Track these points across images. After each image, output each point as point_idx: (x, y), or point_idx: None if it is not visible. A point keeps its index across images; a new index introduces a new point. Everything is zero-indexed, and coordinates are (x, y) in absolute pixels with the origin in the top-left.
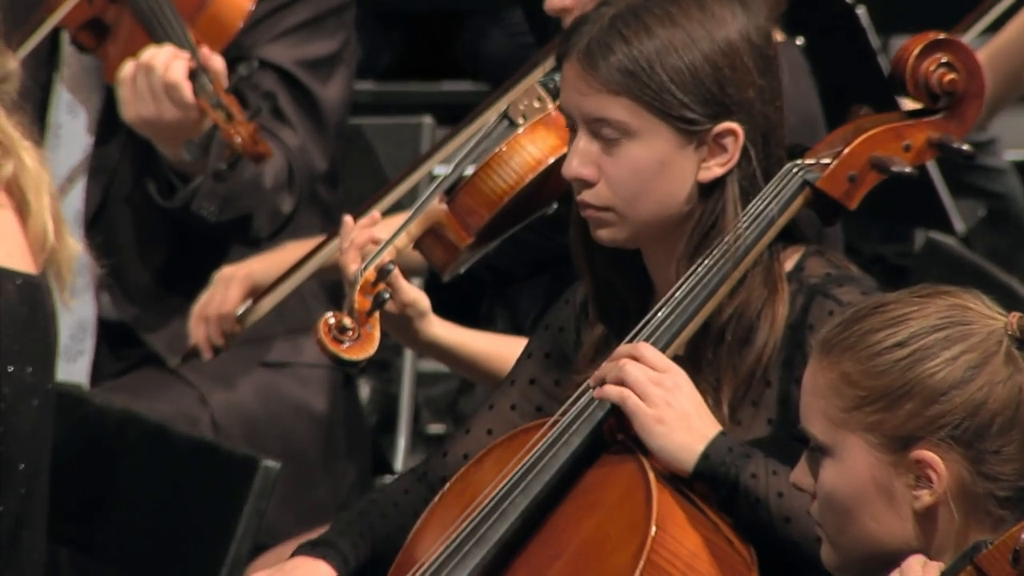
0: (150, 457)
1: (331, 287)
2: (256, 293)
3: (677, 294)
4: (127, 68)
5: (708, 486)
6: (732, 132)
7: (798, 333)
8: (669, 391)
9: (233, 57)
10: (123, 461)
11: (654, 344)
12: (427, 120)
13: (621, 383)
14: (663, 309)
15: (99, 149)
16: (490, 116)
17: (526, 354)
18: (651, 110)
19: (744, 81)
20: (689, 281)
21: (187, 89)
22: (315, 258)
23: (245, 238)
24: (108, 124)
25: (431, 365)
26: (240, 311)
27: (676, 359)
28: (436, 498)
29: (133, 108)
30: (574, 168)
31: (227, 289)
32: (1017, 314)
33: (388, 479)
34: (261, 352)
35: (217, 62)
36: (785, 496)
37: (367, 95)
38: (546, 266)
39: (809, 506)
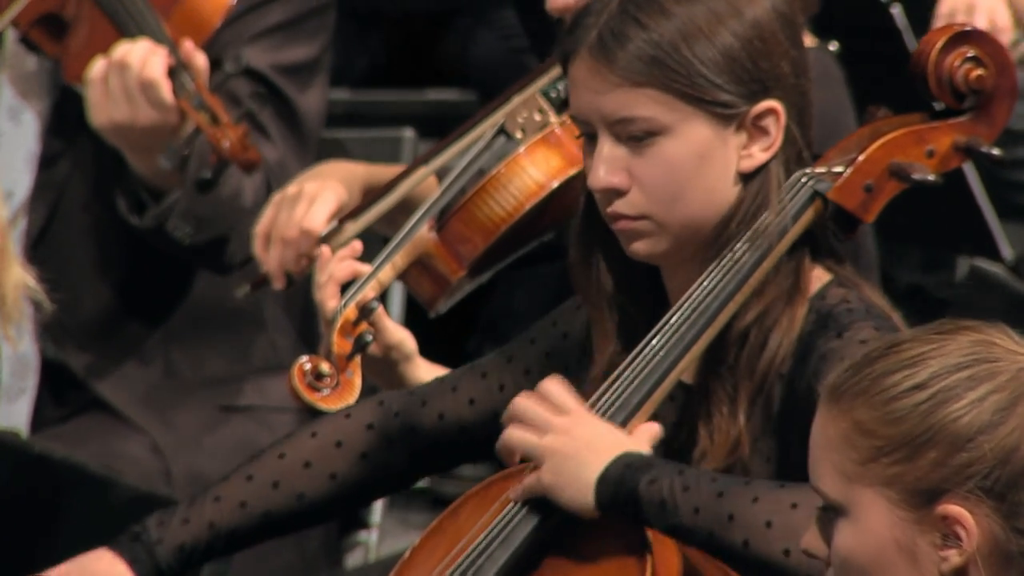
0: (95, 511)
1: (301, 320)
2: (341, 213)
3: (673, 319)
4: (98, 67)
5: (619, 514)
6: (773, 111)
7: (805, 352)
8: (561, 436)
9: (209, 60)
10: (65, 516)
11: (647, 376)
12: (408, 133)
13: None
14: (658, 337)
15: (46, 161)
16: (485, 128)
17: (530, 338)
18: (682, 98)
19: (777, 52)
20: (686, 306)
21: (166, 88)
22: (410, 179)
23: (217, 264)
24: (58, 133)
25: None
26: (325, 231)
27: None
28: (407, 554)
29: (104, 112)
30: (602, 178)
31: (311, 204)
32: None
33: (362, 535)
34: (221, 395)
35: (199, 58)
36: (691, 490)
37: (341, 104)
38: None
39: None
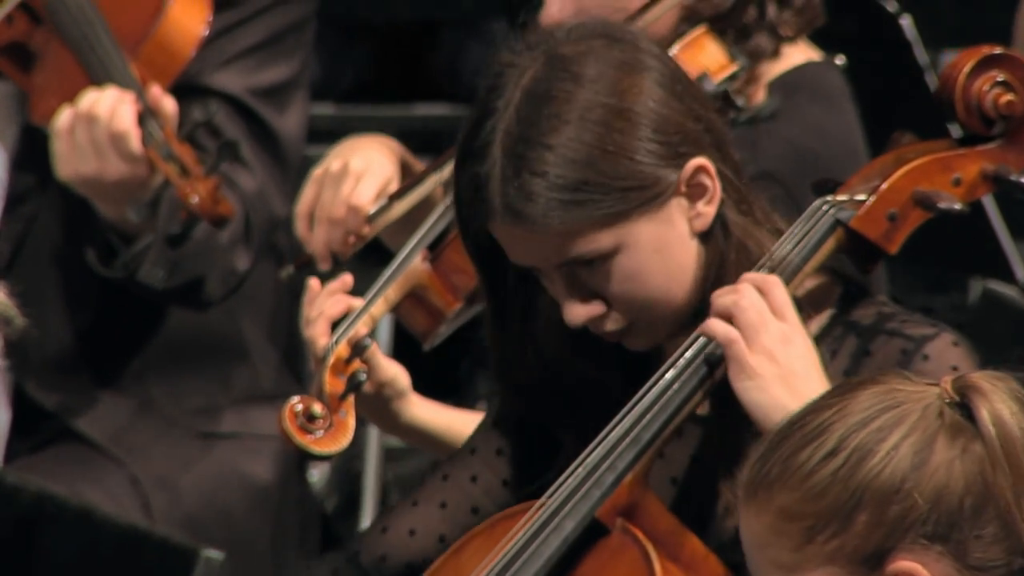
0: (72, 546)
1: (286, 348)
2: (387, 190)
3: (688, 354)
4: (64, 118)
5: None
6: (701, 168)
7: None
8: (779, 343)
9: (178, 87)
10: (40, 550)
11: (660, 411)
12: None
13: (726, 310)
14: (673, 371)
15: (14, 197)
16: None
17: (490, 423)
18: (615, 219)
19: (677, 121)
20: (703, 339)
21: (136, 139)
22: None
23: (195, 304)
24: (26, 166)
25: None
26: (373, 210)
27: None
28: None
29: (71, 165)
30: (578, 315)
31: (358, 181)
32: (948, 378)
33: None
34: (202, 424)
35: (168, 104)
36: None
37: (326, 120)
38: None
39: None
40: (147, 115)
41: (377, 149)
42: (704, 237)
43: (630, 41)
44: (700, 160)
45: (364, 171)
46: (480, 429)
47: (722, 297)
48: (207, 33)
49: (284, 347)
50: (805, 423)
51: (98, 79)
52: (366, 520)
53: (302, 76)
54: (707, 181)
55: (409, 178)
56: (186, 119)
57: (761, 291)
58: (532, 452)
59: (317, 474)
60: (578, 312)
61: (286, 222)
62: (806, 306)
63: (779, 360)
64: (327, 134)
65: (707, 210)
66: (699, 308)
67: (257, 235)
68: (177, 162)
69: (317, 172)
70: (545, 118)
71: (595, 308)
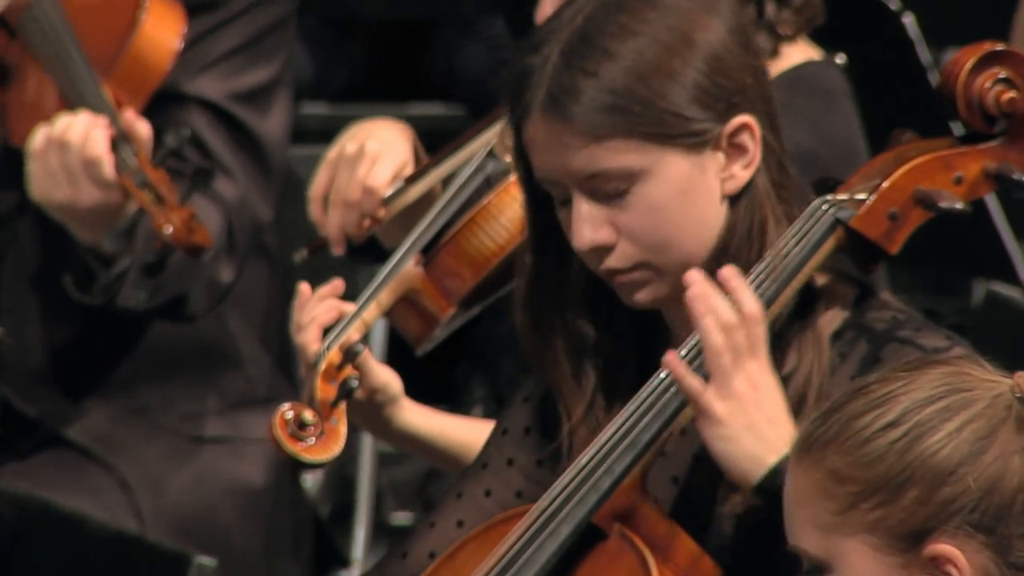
0: (62, 553)
1: (280, 352)
2: (403, 174)
3: (683, 352)
4: (38, 141)
5: (767, 502)
6: (746, 126)
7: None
8: (750, 389)
9: (157, 95)
10: (29, 558)
11: (661, 410)
12: None
13: (707, 347)
14: (667, 372)
15: None
16: (471, 153)
17: (500, 431)
18: (651, 140)
19: (737, 68)
20: (697, 342)
21: (109, 165)
22: (482, 136)
23: (179, 319)
24: (5, 184)
25: None
26: (389, 192)
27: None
28: None
29: (44, 189)
30: (587, 238)
31: (374, 163)
32: (1022, 373)
33: (343, 574)
34: (192, 428)
35: (142, 129)
36: None
37: (319, 119)
38: None
39: None
40: (120, 140)
41: (393, 131)
42: (731, 201)
43: None
44: (747, 118)
45: (380, 153)
46: (491, 441)
47: (711, 324)
48: (182, 45)
49: (277, 350)
50: (870, 390)
51: (71, 101)
52: (360, 526)
53: (284, 76)
54: (749, 143)
55: (420, 164)
56: (160, 143)
57: (742, 322)
58: (543, 460)
59: (311, 479)
60: (587, 236)
61: (274, 222)
62: (824, 304)
63: (747, 408)
64: (321, 134)
65: (742, 174)
66: (708, 270)
67: (241, 244)
68: (152, 190)
69: (331, 155)
70: (611, 25)
71: (605, 235)
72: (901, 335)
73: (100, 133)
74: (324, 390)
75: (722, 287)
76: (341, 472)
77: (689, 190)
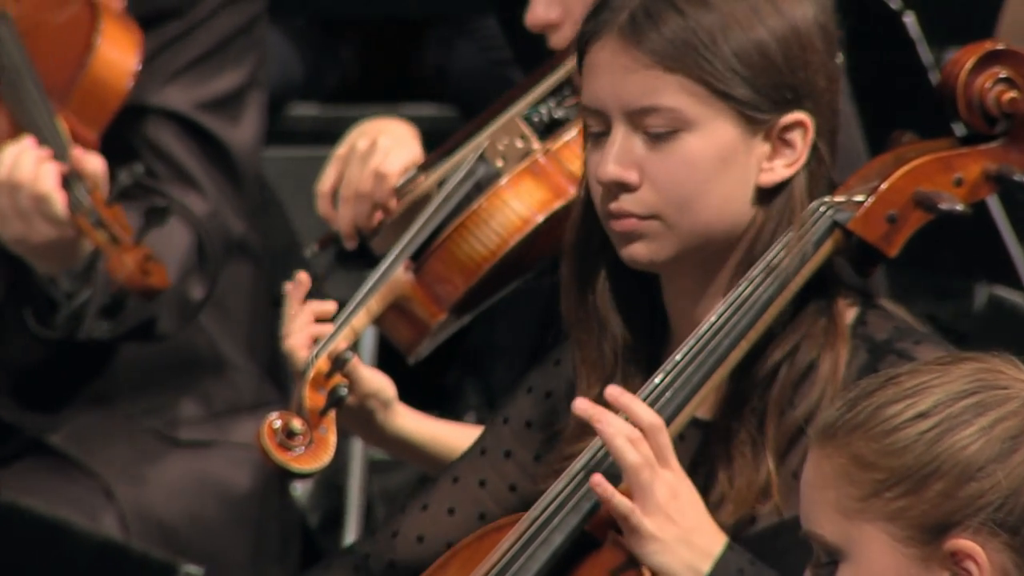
0: (45, 561)
1: (268, 357)
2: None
3: (679, 357)
4: None
5: None
6: (802, 124)
7: None
8: (671, 499)
9: (123, 109)
10: (13, 567)
11: None
12: None
13: (624, 468)
14: (662, 375)
15: None
16: (462, 157)
17: (501, 419)
18: (712, 92)
19: (813, 63)
20: (694, 343)
21: (60, 203)
22: (498, 121)
23: (150, 340)
24: None
25: None
26: (401, 181)
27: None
28: None
29: None
30: (611, 170)
31: (387, 153)
32: None
33: None
34: (177, 433)
35: (94, 165)
36: None
37: (309, 121)
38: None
39: None
40: (73, 178)
41: (403, 128)
42: (761, 194)
43: None
44: (805, 116)
45: (392, 148)
46: (491, 428)
47: (624, 448)
48: (138, 67)
49: (266, 356)
50: (901, 380)
51: (24, 129)
52: (350, 534)
53: (256, 78)
54: (799, 142)
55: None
56: (114, 180)
57: (646, 435)
58: (539, 457)
59: (300, 487)
60: (613, 168)
61: (259, 226)
62: (841, 294)
63: (675, 519)
64: (311, 135)
65: (782, 171)
66: (715, 258)
67: (212, 259)
68: (107, 229)
69: (341, 151)
70: None
71: (632, 175)
72: (899, 347)
73: (50, 169)
74: (313, 399)
75: (614, 406)
76: (331, 480)
77: (729, 160)
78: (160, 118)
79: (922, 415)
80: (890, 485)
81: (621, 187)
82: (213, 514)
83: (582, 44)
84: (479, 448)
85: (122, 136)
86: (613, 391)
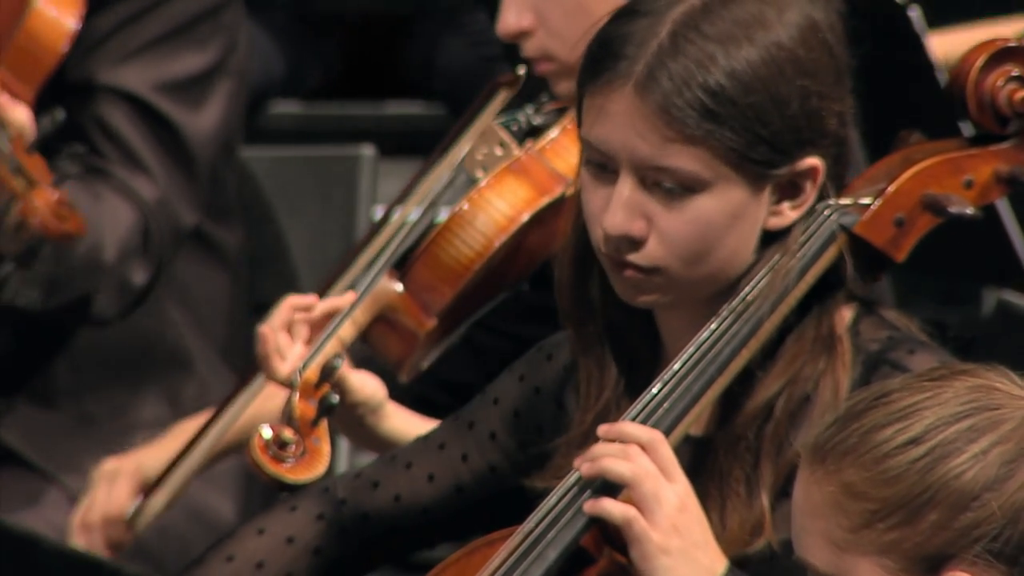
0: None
1: (243, 359)
2: (147, 488)
3: (677, 367)
4: None
5: None
6: (813, 169)
7: None
8: (678, 512)
9: (72, 84)
10: None
11: None
12: (367, 150)
13: (623, 482)
14: (659, 385)
15: None
16: (441, 171)
17: (491, 399)
18: (729, 156)
19: (830, 110)
20: (693, 352)
21: None
22: (212, 431)
23: (88, 320)
24: None
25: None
26: (130, 513)
27: (692, 442)
28: None
29: None
30: (620, 224)
31: (111, 487)
32: None
33: None
34: (146, 438)
35: (18, 114)
36: None
37: (292, 119)
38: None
39: None
40: None
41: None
42: (767, 237)
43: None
44: (817, 161)
45: (116, 474)
46: (480, 404)
47: (613, 463)
48: (76, 27)
49: (240, 362)
50: (891, 400)
51: None
52: None
53: (224, 67)
54: (808, 186)
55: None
56: (40, 129)
57: (646, 449)
58: (524, 447)
59: None
60: (620, 221)
61: (219, 210)
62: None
63: (682, 532)
64: (294, 134)
65: (790, 214)
66: (720, 293)
67: (158, 246)
68: (24, 176)
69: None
70: (732, 24)
71: (639, 227)
72: (892, 358)
73: None
74: (303, 409)
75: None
76: None
77: (741, 216)
78: (112, 97)
79: (914, 441)
80: (883, 516)
81: (627, 240)
82: (189, 527)
83: (587, 78)
84: (468, 420)
85: (73, 115)
86: (602, 429)
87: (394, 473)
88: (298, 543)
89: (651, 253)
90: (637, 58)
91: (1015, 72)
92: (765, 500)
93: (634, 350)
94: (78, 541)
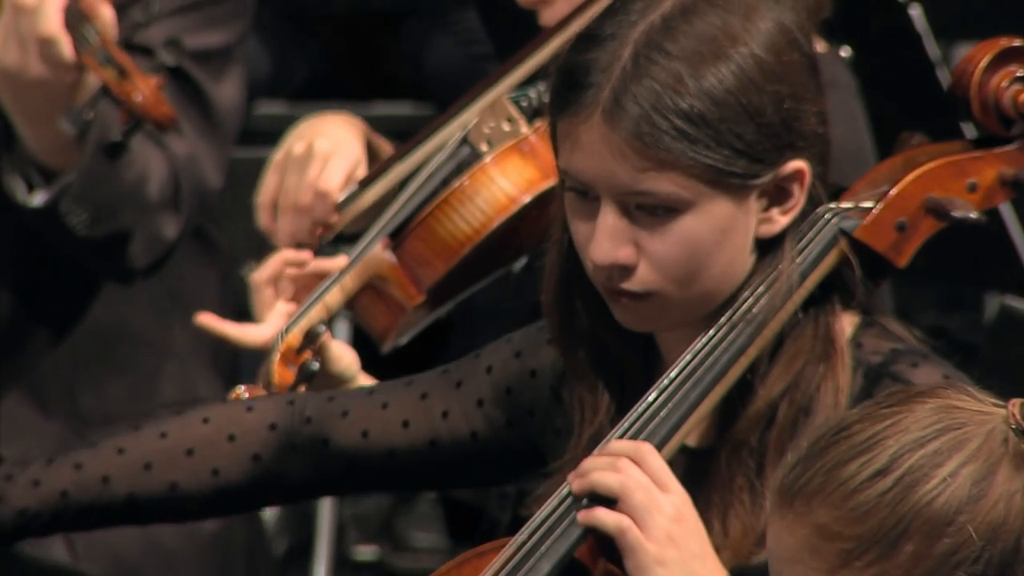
0: None
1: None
2: (356, 175)
3: (674, 374)
4: None
5: None
6: (799, 173)
7: None
8: (674, 522)
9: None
10: None
11: (648, 439)
12: None
13: (612, 494)
14: (656, 392)
15: None
16: (445, 140)
17: (484, 366)
18: (708, 174)
19: (807, 111)
20: (690, 359)
21: (66, 45)
22: (441, 132)
23: (118, 266)
24: None
25: None
26: (341, 197)
27: (689, 452)
28: None
29: None
30: (607, 252)
31: (325, 161)
32: (1017, 400)
33: None
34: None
35: (106, 10)
36: None
37: (277, 119)
38: None
39: None
40: (79, 20)
41: (343, 127)
42: (760, 246)
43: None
44: (802, 164)
45: (331, 153)
46: (473, 367)
47: (601, 475)
48: None
49: (226, 362)
50: (853, 432)
51: None
52: (320, 562)
53: (239, 50)
54: (796, 190)
55: (376, 160)
56: (123, 24)
57: (635, 462)
58: (512, 423)
59: (268, 512)
60: (608, 251)
61: (220, 215)
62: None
63: (678, 542)
64: (280, 134)
65: (780, 219)
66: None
67: (187, 203)
68: (116, 66)
69: (278, 157)
70: (695, 39)
71: (627, 254)
72: (894, 370)
73: (51, 10)
74: (281, 373)
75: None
76: (300, 505)
77: (729, 230)
78: (146, 59)
79: (881, 472)
80: (859, 554)
81: (616, 268)
82: (170, 539)
83: (556, 110)
84: (456, 379)
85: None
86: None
87: (368, 409)
88: (239, 443)
89: (643, 278)
90: (602, 85)
91: (1020, 73)
92: (768, 505)
93: (627, 373)
94: (280, 225)
